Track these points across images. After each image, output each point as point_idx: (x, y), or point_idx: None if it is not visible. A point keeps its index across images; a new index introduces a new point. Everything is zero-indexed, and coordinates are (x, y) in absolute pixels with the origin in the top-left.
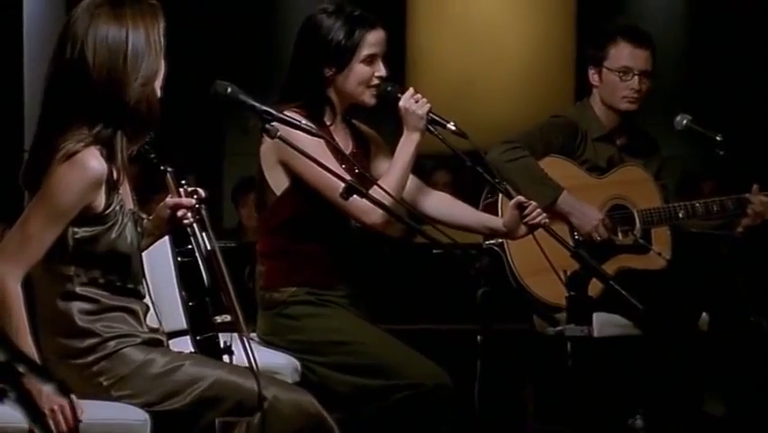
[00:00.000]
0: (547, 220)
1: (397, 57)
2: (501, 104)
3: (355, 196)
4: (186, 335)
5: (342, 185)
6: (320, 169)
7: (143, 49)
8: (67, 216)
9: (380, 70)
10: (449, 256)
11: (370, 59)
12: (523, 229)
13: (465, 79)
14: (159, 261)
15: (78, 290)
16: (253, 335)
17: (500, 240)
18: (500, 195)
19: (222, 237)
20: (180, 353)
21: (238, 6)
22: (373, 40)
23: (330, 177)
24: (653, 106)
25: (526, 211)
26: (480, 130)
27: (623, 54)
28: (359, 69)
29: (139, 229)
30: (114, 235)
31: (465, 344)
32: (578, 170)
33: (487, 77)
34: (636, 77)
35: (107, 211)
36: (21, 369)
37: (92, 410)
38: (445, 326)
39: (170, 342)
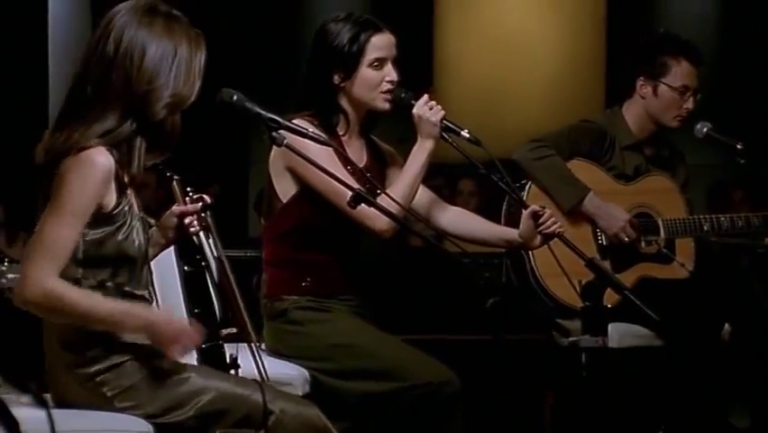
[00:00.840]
0: (562, 229)
1: (426, 64)
2: (531, 110)
3: (363, 204)
4: None
5: (350, 193)
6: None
7: (185, 71)
8: (85, 214)
9: (391, 75)
10: (458, 266)
11: (378, 64)
12: (539, 239)
13: (495, 86)
14: (165, 271)
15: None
16: (261, 345)
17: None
18: (525, 195)
19: (247, 246)
20: (186, 364)
21: (268, 14)
22: (380, 43)
23: (338, 184)
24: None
25: (541, 220)
26: (510, 136)
27: (685, 73)
28: (367, 74)
29: (146, 235)
30: (120, 237)
31: (482, 353)
32: (604, 175)
33: (516, 83)
34: (692, 97)
35: (116, 211)
36: None
37: (94, 421)
38: (463, 336)
39: None
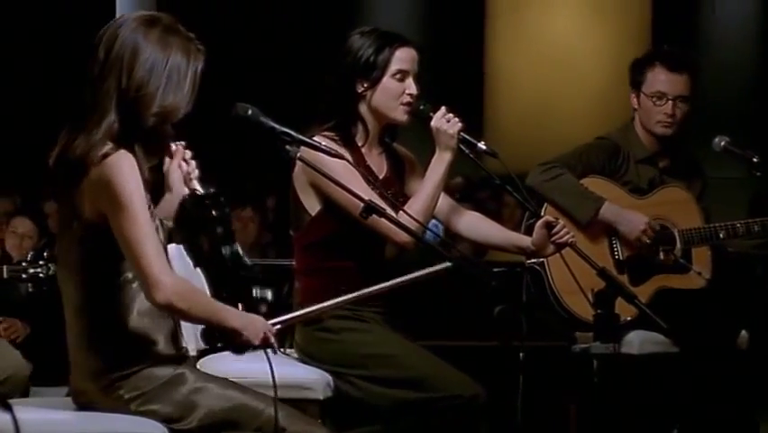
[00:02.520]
0: (574, 239)
1: (475, 77)
2: (577, 123)
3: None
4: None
5: (362, 205)
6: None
7: (177, 82)
8: (146, 204)
9: (411, 88)
10: (467, 275)
11: (401, 76)
12: (551, 248)
13: (542, 99)
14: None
15: (127, 294)
16: (291, 351)
17: (541, 258)
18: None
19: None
20: (205, 374)
21: (318, 26)
22: (404, 56)
23: (352, 197)
24: (728, 126)
25: (554, 230)
26: (559, 148)
27: (658, 79)
28: (390, 84)
29: (162, 237)
30: None
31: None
32: (619, 190)
33: (563, 96)
34: (671, 102)
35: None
36: None
37: (108, 423)
38: (487, 342)
39: (201, 361)
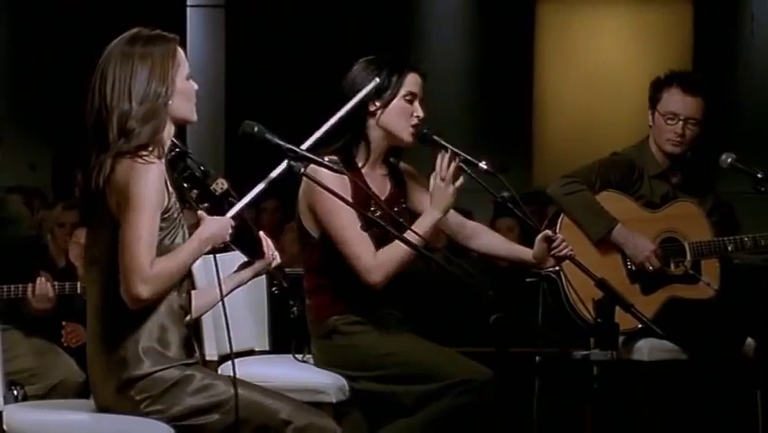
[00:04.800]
0: (573, 252)
1: (525, 97)
2: (620, 139)
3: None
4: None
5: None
6: (337, 222)
7: (145, 89)
8: (157, 210)
9: (418, 111)
10: (463, 284)
11: (410, 98)
12: (551, 261)
13: (589, 119)
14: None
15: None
16: (309, 356)
17: (558, 267)
18: (558, 228)
19: None
20: (213, 373)
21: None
22: (414, 80)
23: (346, 230)
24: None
25: (554, 244)
26: None
27: (673, 100)
28: (400, 104)
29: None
30: (167, 242)
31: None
32: (633, 204)
33: (607, 114)
34: (681, 122)
35: (166, 215)
36: None
37: (116, 425)
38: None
39: (222, 366)
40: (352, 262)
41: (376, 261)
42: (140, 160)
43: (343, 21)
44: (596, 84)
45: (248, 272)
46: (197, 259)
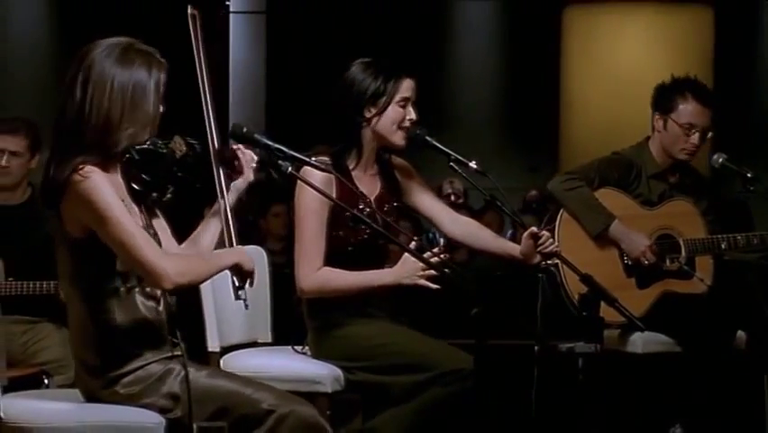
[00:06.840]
0: (559, 249)
1: (552, 101)
2: None
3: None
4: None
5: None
6: (301, 226)
7: (141, 99)
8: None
9: (411, 114)
10: (445, 278)
11: (404, 103)
12: (537, 257)
13: (613, 120)
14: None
15: (116, 301)
16: (306, 348)
17: (557, 261)
18: (557, 223)
19: None
20: (198, 365)
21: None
22: (408, 85)
23: (304, 236)
24: None
25: (540, 241)
26: None
27: (690, 110)
28: (394, 110)
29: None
30: None
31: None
32: (630, 201)
33: (631, 118)
34: (698, 133)
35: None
36: None
37: (106, 413)
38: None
39: (224, 358)
40: (295, 267)
41: (316, 274)
42: (80, 174)
43: (379, 26)
44: (620, 86)
45: (233, 195)
46: (213, 273)
